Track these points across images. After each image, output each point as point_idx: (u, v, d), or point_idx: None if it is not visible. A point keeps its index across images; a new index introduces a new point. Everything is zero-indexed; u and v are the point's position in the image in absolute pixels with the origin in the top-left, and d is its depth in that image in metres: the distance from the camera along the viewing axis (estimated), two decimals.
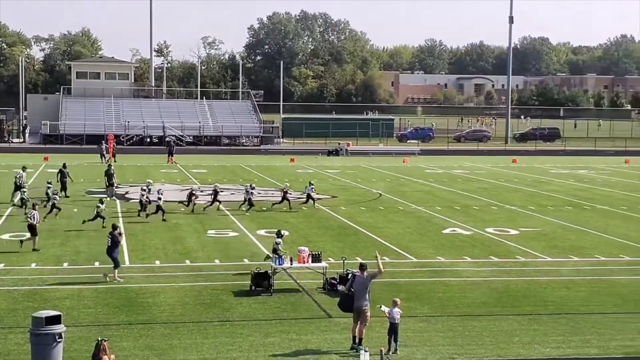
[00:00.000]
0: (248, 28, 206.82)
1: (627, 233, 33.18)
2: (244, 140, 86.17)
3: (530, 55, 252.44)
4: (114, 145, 65.17)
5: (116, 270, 23.39)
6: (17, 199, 37.47)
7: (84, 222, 31.73)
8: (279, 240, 23.81)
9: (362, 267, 18.43)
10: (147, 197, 35.32)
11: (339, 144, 79.10)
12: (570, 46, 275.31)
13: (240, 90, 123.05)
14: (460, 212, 38.40)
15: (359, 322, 17.75)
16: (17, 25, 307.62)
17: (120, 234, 24.18)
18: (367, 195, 44.14)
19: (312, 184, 40.15)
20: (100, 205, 31.92)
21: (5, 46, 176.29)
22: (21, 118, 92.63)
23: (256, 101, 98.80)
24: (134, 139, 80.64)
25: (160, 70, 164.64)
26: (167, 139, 77.07)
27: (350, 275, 19.57)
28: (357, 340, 17.67)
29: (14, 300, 21.16)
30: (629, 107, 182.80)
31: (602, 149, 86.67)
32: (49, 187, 36.11)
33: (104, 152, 62.02)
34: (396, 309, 17.65)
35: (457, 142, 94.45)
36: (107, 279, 23.23)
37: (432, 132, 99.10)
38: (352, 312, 18.01)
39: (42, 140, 79.18)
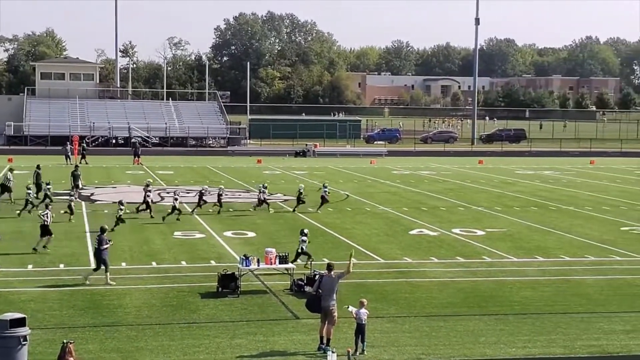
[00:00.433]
0: (214, 29, 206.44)
1: (591, 233, 33.54)
2: (211, 142, 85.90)
3: (496, 57, 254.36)
4: (83, 147, 64.62)
5: (107, 273, 23.18)
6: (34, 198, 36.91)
7: (112, 229, 30.52)
8: (305, 238, 24.86)
9: (330, 267, 18.43)
10: (152, 198, 35.84)
11: (306, 145, 79.11)
12: (535, 48, 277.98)
13: (207, 91, 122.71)
14: (427, 213, 38.58)
15: (326, 323, 17.74)
16: None
17: (109, 239, 23.84)
18: (334, 196, 44.16)
19: (327, 186, 39.16)
20: (121, 207, 31.88)
21: None
22: None
23: (223, 102, 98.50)
24: (99, 140, 79.97)
25: (125, 71, 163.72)
26: (132, 140, 76.59)
27: (317, 276, 19.57)
28: (324, 341, 17.66)
29: None
30: (594, 108, 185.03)
31: (567, 150, 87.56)
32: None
33: (69, 154, 61.43)
34: (363, 310, 17.67)
35: (423, 143, 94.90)
36: (87, 282, 23.03)
37: (399, 134, 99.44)
38: (319, 312, 18.01)
39: (6, 142, 78.25)
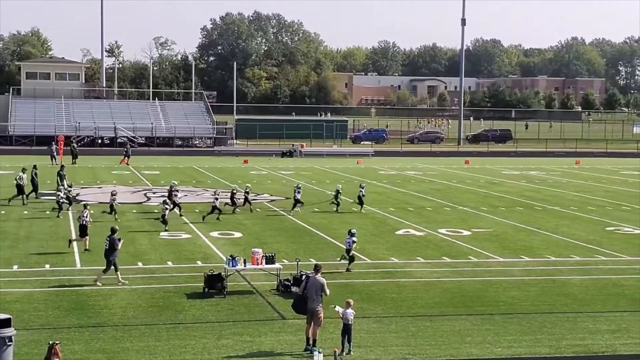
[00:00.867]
0: (201, 29, 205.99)
1: (577, 233, 33.68)
2: (197, 142, 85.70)
3: (482, 57, 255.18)
4: (74, 146, 64.37)
5: (118, 273, 23.21)
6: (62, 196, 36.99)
7: (166, 229, 31.82)
8: (355, 239, 25.24)
9: (317, 268, 18.43)
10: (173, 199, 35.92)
11: (293, 145, 79.07)
12: (521, 48, 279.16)
13: (193, 91, 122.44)
14: (413, 213, 38.64)
15: (312, 324, 17.74)
16: None
17: (120, 238, 23.81)
18: (321, 196, 44.17)
19: (363, 186, 39.85)
20: (165, 206, 32.36)
21: None
22: None
23: (209, 102, 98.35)
24: (85, 140, 79.65)
25: (111, 70, 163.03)
26: (119, 140, 76.32)
27: (304, 277, 19.55)
28: (310, 342, 17.67)
29: None
30: (579, 108, 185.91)
31: (553, 150, 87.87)
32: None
33: (55, 154, 61.14)
34: (350, 310, 17.68)
35: (410, 144, 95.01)
36: (99, 284, 22.93)
37: (386, 134, 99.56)
38: (305, 313, 18.00)
39: None
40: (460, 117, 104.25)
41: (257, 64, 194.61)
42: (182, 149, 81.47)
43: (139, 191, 45.43)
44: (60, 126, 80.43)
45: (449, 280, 24.78)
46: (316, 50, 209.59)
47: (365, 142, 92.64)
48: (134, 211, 37.05)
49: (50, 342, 15.74)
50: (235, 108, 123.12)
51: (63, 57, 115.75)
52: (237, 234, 31.83)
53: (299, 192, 38.00)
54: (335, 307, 17.96)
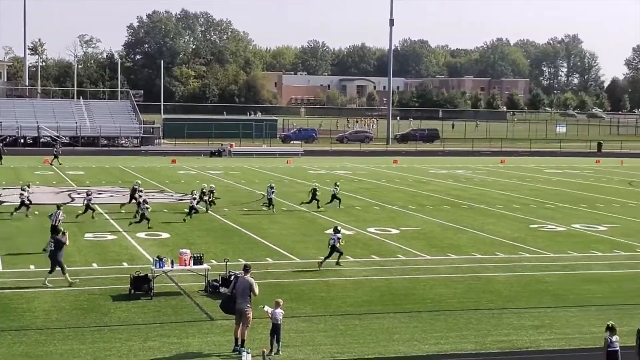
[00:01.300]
0: (127, 27, 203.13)
1: (502, 231, 34.25)
2: (124, 141, 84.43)
3: (410, 58, 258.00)
4: (1, 147, 62.78)
5: (66, 274, 22.81)
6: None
7: (130, 224, 32.08)
8: (339, 236, 25.67)
9: (246, 268, 18.31)
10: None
11: (222, 144, 78.58)
12: (448, 49, 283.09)
13: (119, 89, 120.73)
14: (342, 212, 38.76)
15: (241, 324, 17.62)
16: None
17: (64, 232, 23.58)
18: (251, 196, 43.99)
19: (338, 185, 40.85)
20: (146, 205, 32.35)
21: None
22: None
23: (136, 101, 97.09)
24: (7, 140, 77.67)
25: (34, 69, 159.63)
26: (42, 139, 74.70)
27: (233, 277, 19.41)
28: (239, 342, 17.54)
29: None
30: (504, 108, 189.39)
31: (479, 149, 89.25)
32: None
33: None
34: (279, 310, 17.62)
35: (339, 143, 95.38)
36: (49, 285, 22.50)
37: (316, 133, 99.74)
38: (234, 313, 17.87)
39: None
40: (389, 117, 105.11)
41: (185, 63, 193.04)
42: (107, 148, 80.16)
43: (63, 192, 44.54)
44: None
45: (377, 278, 24.92)
46: (245, 49, 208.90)
47: (295, 142, 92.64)
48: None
49: None
50: (162, 107, 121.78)
51: None
52: (165, 235, 31.45)
53: (272, 192, 38.24)
54: (264, 307, 17.87)
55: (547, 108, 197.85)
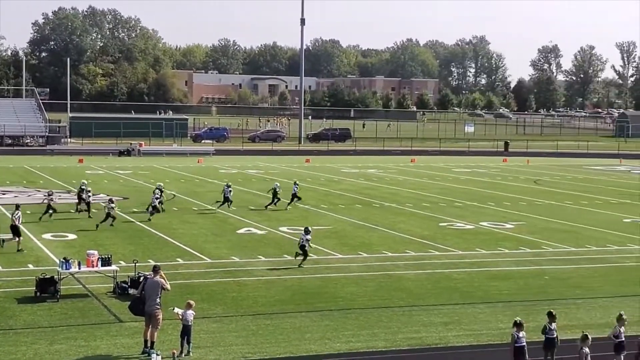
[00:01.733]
0: (32, 23, 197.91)
1: (412, 229, 34.71)
2: (29, 140, 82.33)
3: (322, 57, 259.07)
4: None
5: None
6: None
7: (97, 226, 31.93)
8: (309, 237, 25.69)
9: (156, 269, 18.03)
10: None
11: (131, 144, 77.33)
12: (359, 49, 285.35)
13: (24, 87, 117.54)
14: (254, 212, 38.64)
15: (150, 326, 17.35)
16: None
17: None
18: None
19: (297, 184, 41.20)
20: (111, 204, 32.09)
21: None
22: None
23: (41, 99, 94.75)
24: None
25: None
26: None
27: (142, 278, 19.10)
28: (149, 344, 17.29)
29: None
30: (414, 108, 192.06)
31: (390, 148, 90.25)
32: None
33: None
34: (190, 311, 17.43)
35: (251, 142, 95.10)
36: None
37: (227, 132, 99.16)
38: (143, 315, 17.59)
39: None
40: (300, 116, 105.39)
41: (92, 61, 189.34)
42: (12, 148, 77.96)
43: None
44: None
45: (289, 277, 24.91)
46: (154, 47, 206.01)
47: (206, 141, 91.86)
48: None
49: None
50: (69, 105, 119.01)
51: None
52: (72, 236, 30.76)
53: (229, 191, 38.06)
54: (174, 309, 17.66)
55: (455, 108, 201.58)
